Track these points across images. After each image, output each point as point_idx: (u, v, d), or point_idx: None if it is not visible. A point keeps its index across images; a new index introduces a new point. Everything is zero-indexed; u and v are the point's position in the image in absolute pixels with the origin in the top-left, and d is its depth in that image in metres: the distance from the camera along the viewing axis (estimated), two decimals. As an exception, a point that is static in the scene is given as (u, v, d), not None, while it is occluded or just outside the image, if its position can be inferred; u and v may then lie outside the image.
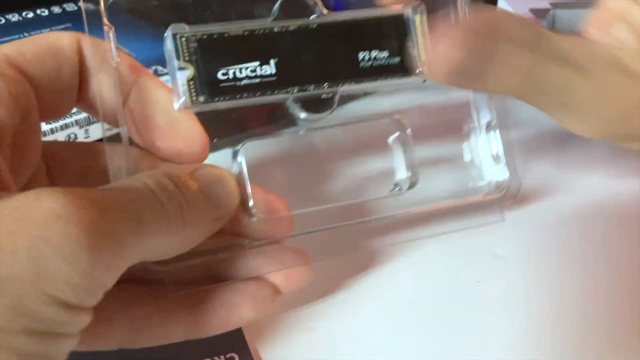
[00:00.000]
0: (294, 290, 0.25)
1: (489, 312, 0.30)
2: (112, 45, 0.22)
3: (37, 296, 0.16)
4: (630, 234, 0.34)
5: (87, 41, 0.22)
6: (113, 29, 0.22)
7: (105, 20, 0.23)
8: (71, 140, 0.34)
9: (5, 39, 0.39)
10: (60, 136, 0.33)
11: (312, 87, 0.24)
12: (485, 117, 0.27)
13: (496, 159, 0.27)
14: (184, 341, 0.24)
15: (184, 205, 0.20)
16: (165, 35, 0.23)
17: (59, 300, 0.16)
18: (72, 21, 0.42)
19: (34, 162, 0.23)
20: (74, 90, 0.23)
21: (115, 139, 0.23)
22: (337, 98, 0.25)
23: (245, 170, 0.24)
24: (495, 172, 0.27)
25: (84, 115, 0.34)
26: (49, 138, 0.33)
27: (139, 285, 0.23)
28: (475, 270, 0.31)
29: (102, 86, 0.22)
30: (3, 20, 0.41)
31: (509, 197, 0.27)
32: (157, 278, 0.23)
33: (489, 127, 0.27)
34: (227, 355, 0.26)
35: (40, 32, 0.40)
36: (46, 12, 0.43)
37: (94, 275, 0.16)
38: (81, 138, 0.34)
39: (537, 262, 0.32)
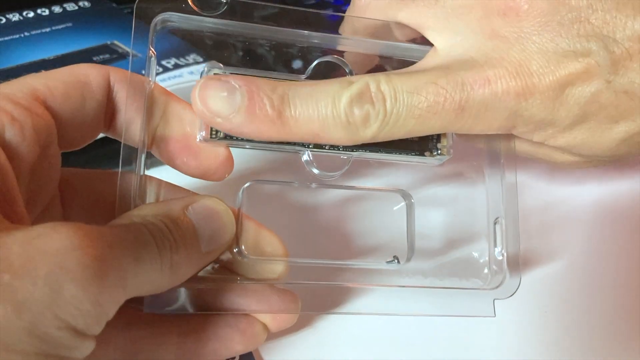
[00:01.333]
0: (279, 330, 0.26)
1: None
2: (153, 70, 0.24)
3: (51, 320, 0.16)
4: (629, 234, 0.34)
5: (117, 76, 0.24)
6: (155, 54, 0.24)
7: (150, 46, 0.24)
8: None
9: (6, 38, 0.39)
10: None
11: (327, 145, 0.25)
12: (496, 212, 0.27)
13: (498, 254, 0.27)
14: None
15: (174, 249, 0.21)
16: (202, 71, 0.24)
17: (70, 325, 0.17)
18: (73, 21, 0.42)
19: (51, 191, 0.23)
20: (96, 123, 0.24)
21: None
22: (350, 161, 0.26)
23: (242, 210, 0.25)
24: (495, 266, 0.27)
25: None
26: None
27: (134, 309, 0.24)
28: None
29: (132, 115, 0.24)
30: (4, 20, 0.41)
31: (504, 294, 0.27)
32: (140, 299, 0.23)
33: (496, 222, 0.27)
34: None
35: (41, 32, 0.40)
36: (47, 12, 0.43)
37: (102, 304, 0.17)
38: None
39: (537, 262, 0.32)
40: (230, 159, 0.25)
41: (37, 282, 0.16)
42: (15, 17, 0.42)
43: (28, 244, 0.17)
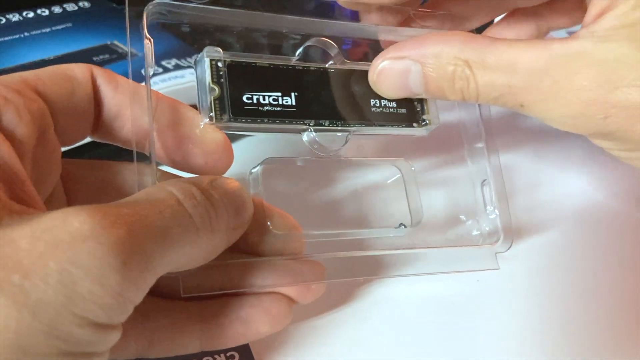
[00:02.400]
0: (308, 303, 0.26)
1: (489, 312, 0.30)
2: (151, 57, 0.24)
3: (70, 319, 0.16)
4: (628, 234, 0.34)
5: (99, 72, 0.23)
6: (152, 41, 0.24)
7: (146, 33, 0.24)
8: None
9: (6, 38, 0.39)
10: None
11: (327, 122, 0.26)
12: (482, 175, 0.30)
13: (490, 212, 0.29)
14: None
15: (212, 212, 0.20)
16: (199, 56, 0.24)
17: (91, 321, 0.16)
18: (73, 21, 0.42)
19: (53, 180, 0.23)
20: (88, 115, 0.23)
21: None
22: (349, 136, 0.27)
23: (261, 189, 0.25)
24: (489, 224, 0.30)
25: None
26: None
27: (155, 297, 0.23)
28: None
29: (125, 111, 0.23)
30: (3, 20, 0.41)
31: (502, 247, 0.29)
32: (172, 279, 0.23)
33: (483, 183, 0.30)
34: (228, 354, 0.26)
35: (41, 32, 0.40)
36: (47, 12, 0.43)
37: (124, 294, 0.17)
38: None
39: (537, 261, 0.32)
40: (229, 149, 0.25)
41: (49, 281, 0.15)
42: (15, 17, 0.42)
43: (37, 239, 0.16)
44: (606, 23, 0.22)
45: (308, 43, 0.27)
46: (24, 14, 0.42)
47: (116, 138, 0.24)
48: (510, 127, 0.41)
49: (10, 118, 0.19)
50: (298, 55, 0.26)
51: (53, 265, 0.16)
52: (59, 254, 0.16)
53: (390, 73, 0.25)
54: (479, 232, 0.30)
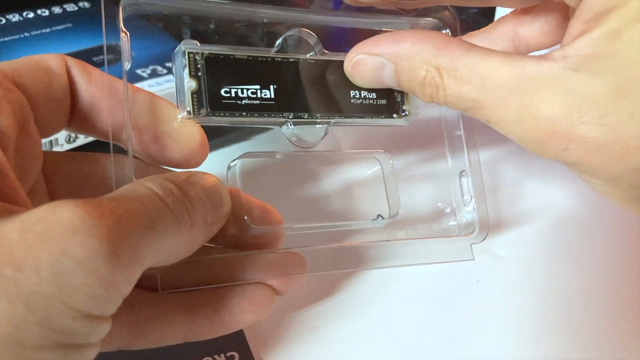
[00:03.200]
0: (290, 294, 0.26)
1: (489, 311, 0.30)
2: (127, 50, 0.23)
3: (64, 311, 0.16)
4: (627, 233, 0.34)
5: (72, 62, 0.23)
6: (128, 35, 0.24)
7: (122, 26, 0.24)
8: (71, 139, 0.34)
9: (6, 38, 0.39)
10: (61, 135, 0.34)
11: (306, 115, 0.26)
12: (460, 166, 0.30)
13: (467, 203, 0.29)
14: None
15: (190, 208, 0.20)
16: (177, 49, 0.24)
17: (84, 313, 0.16)
18: (73, 21, 0.42)
19: (35, 172, 0.23)
20: (65, 106, 0.23)
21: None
22: (328, 128, 0.27)
23: (240, 183, 0.25)
24: (465, 215, 0.30)
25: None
26: (50, 137, 0.33)
27: (138, 288, 0.23)
28: (475, 270, 0.31)
29: (100, 103, 0.23)
30: (3, 20, 0.41)
31: (477, 238, 0.29)
32: (152, 276, 0.23)
33: (462, 174, 0.30)
34: (228, 354, 0.26)
35: (41, 32, 0.40)
36: (47, 12, 0.43)
37: (115, 285, 0.17)
38: (81, 136, 0.34)
39: (537, 261, 0.32)
40: (205, 143, 0.25)
41: (42, 273, 0.15)
42: (15, 17, 0.42)
43: (27, 231, 0.16)
44: (581, 49, 0.21)
45: (288, 33, 0.26)
46: (24, 14, 0.42)
47: (92, 130, 0.24)
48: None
49: None
50: (277, 46, 0.26)
51: (45, 257, 0.16)
52: (50, 245, 0.16)
53: (365, 67, 0.26)
54: (455, 223, 0.30)
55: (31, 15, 0.42)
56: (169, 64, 0.37)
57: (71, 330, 0.16)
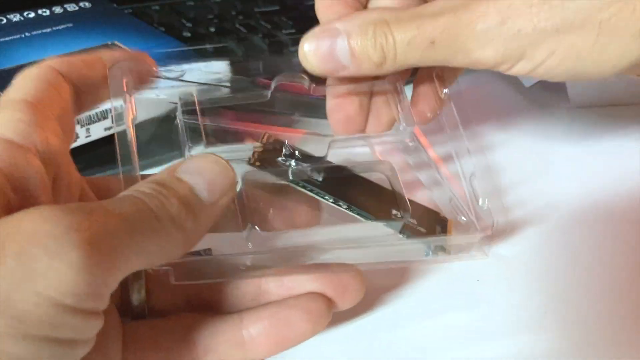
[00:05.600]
0: (349, 306, 0.25)
1: (489, 311, 0.30)
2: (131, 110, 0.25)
3: (28, 296, 0.15)
4: (629, 234, 0.34)
5: (57, 63, 0.23)
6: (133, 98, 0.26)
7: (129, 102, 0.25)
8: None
9: (7, 38, 0.39)
10: (61, 135, 0.34)
11: (344, 205, 0.27)
12: (469, 168, 0.30)
13: (478, 205, 0.29)
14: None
15: (168, 205, 0.20)
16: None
17: (55, 301, 0.16)
18: (73, 21, 0.42)
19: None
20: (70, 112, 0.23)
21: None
22: (331, 143, 0.29)
23: (244, 194, 0.26)
24: (478, 216, 0.30)
25: (84, 114, 0.34)
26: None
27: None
28: (475, 270, 0.31)
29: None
30: (4, 20, 0.41)
31: (490, 239, 0.29)
32: (163, 272, 0.23)
33: (472, 176, 0.30)
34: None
35: (42, 32, 0.41)
36: (47, 12, 0.43)
37: (91, 272, 0.16)
38: (82, 137, 0.34)
39: (537, 261, 0.32)
40: None
41: (6, 262, 0.15)
42: (16, 17, 0.42)
43: None
44: None
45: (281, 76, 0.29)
46: (25, 14, 0.42)
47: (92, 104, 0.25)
48: (505, 125, 0.41)
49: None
50: (274, 83, 0.28)
51: (12, 247, 0.16)
52: (19, 238, 0.16)
53: (318, 50, 0.27)
54: (467, 222, 0.30)
55: (32, 15, 0.42)
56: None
57: (39, 320, 0.15)
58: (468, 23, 0.25)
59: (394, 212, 0.28)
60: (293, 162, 0.28)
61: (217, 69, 0.30)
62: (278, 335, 0.24)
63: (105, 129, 0.35)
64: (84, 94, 0.23)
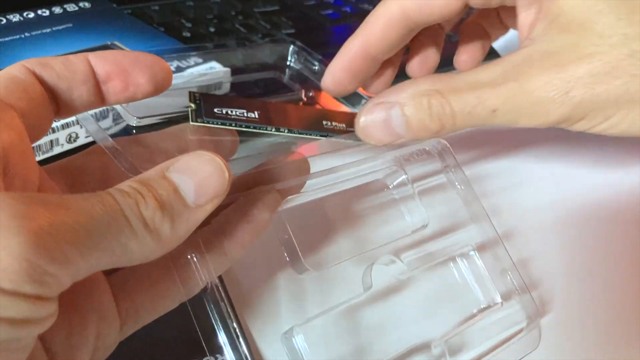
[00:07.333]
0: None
1: (489, 311, 0.30)
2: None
3: None
4: (630, 234, 0.34)
5: (32, 63, 0.23)
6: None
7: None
8: (71, 139, 0.34)
9: (6, 39, 0.39)
10: (61, 135, 0.34)
11: (286, 130, 0.29)
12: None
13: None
14: (177, 339, 0.25)
15: (149, 212, 0.19)
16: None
17: None
18: (73, 21, 0.42)
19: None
20: (46, 109, 0.23)
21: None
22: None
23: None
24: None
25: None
26: (50, 137, 0.33)
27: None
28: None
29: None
30: (4, 20, 0.41)
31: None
32: None
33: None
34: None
35: (41, 32, 0.41)
36: (47, 13, 0.43)
37: (31, 259, 0.16)
38: (82, 136, 0.34)
39: (538, 261, 0.32)
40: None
41: None
42: (15, 17, 0.42)
43: None
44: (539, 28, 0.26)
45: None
46: (25, 14, 0.42)
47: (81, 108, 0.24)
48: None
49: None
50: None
51: None
52: None
53: (374, 124, 0.28)
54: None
55: (32, 15, 0.42)
56: (177, 63, 0.37)
57: None
58: (532, 91, 0.26)
59: (324, 122, 0.30)
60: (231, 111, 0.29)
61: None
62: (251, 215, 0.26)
63: (105, 129, 0.35)
64: (62, 93, 0.23)
